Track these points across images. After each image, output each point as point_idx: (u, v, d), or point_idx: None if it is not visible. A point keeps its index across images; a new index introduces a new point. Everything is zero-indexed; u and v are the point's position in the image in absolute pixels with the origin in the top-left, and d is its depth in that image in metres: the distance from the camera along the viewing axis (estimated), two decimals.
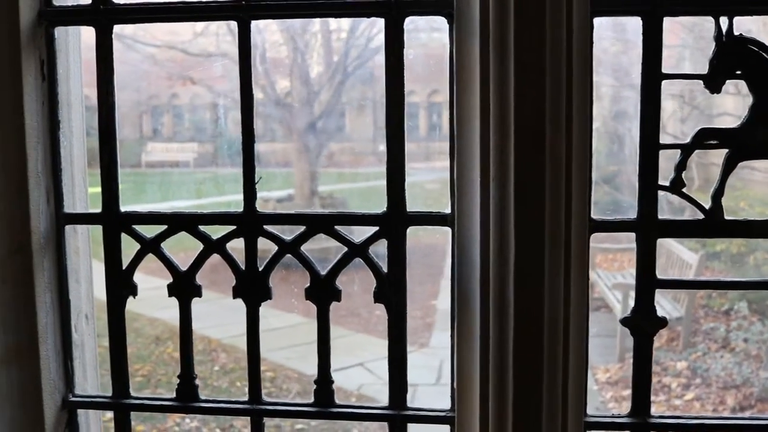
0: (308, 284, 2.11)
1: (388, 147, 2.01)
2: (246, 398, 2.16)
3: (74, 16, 2.15)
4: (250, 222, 2.09)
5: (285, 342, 9.56)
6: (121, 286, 2.17)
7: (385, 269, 2.07)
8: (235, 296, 2.14)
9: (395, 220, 2.04)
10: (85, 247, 2.29)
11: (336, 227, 2.08)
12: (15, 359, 2.09)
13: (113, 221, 2.14)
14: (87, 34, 2.21)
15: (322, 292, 2.11)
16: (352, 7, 2.06)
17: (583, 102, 1.82)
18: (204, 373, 9.21)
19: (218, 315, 7.90)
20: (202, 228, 2.13)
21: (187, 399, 2.19)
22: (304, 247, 2.12)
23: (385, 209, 2.04)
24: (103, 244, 2.16)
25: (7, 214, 2.07)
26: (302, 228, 2.09)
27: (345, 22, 16.59)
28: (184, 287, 2.16)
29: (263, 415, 2.16)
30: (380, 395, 8.79)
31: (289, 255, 2.12)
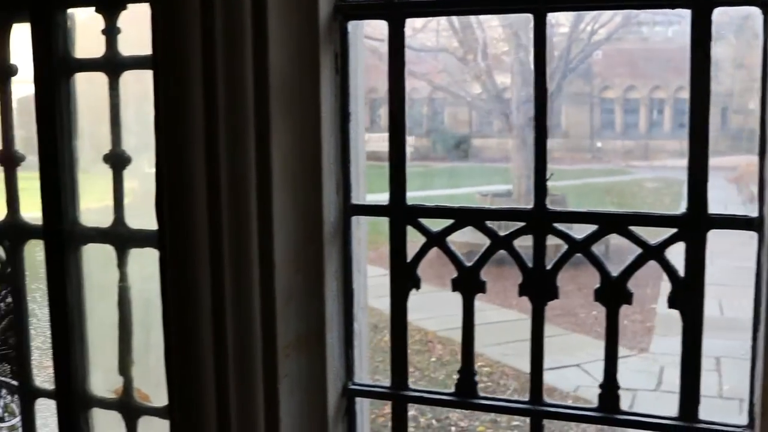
0: (598, 285, 2.04)
1: (691, 145, 1.91)
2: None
3: (368, 11, 2.17)
4: (540, 219, 2.04)
5: (501, 338, 9.50)
6: (405, 278, 2.18)
7: (681, 274, 1.97)
8: (520, 294, 2.10)
9: (696, 223, 1.93)
10: (365, 238, 2.33)
11: (629, 227, 2.00)
12: (305, 346, 2.15)
13: (400, 214, 2.15)
14: None
15: (612, 294, 2.03)
16: None
17: None
18: (421, 364, 9.32)
19: (434, 307, 7.96)
20: (488, 224, 2.10)
21: (466, 395, 2.18)
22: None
23: (684, 210, 1.94)
24: (390, 236, 2.17)
25: (303, 204, 2.12)
26: (594, 227, 2.02)
27: (563, 17, 16.30)
28: (469, 282, 2.14)
29: (543, 416, 2.11)
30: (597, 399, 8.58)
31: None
